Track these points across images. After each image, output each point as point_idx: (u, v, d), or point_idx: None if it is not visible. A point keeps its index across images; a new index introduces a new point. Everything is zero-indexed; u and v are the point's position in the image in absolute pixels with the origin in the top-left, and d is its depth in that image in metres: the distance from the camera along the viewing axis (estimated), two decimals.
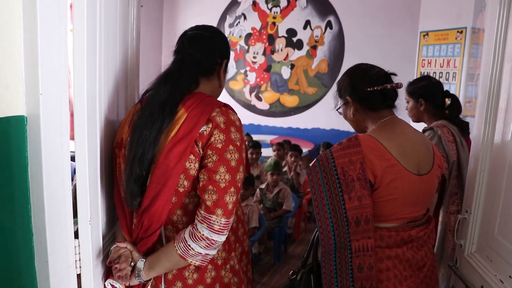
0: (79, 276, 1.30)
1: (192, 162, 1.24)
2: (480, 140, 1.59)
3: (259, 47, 8.41)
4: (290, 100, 8.23)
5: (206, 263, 1.28)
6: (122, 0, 1.53)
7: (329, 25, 7.76)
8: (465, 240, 1.66)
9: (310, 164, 1.48)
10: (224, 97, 8.68)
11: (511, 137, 1.42)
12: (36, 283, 1.18)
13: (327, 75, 7.86)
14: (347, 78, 1.61)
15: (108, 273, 1.42)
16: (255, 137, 6.50)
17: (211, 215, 1.21)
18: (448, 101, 2.35)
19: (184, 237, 1.24)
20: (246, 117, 8.69)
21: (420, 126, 2.04)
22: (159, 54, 8.98)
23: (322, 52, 7.88)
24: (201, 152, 1.24)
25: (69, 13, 1.16)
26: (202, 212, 1.22)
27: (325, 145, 5.32)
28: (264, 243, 4.08)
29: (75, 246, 1.28)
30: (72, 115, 1.22)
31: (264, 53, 8.37)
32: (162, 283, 1.32)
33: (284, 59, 8.22)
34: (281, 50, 8.23)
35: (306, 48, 8.00)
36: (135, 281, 1.31)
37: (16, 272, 1.13)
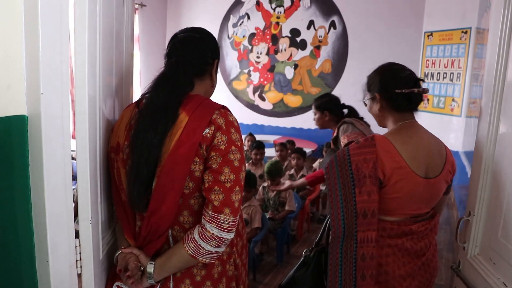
0: (79, 275, 1.31)
1: (197, 164, 1.25)
2: (484, 141, 1.58)
3: (262, 47, 8.40)
4: (294, 100, 8.22)
5: (215, 260, 1.32)
6: (117, 1, 1.53)
7: (333, 25, 7.75)
8: (468, 242, 1.65)
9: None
10: (227, 97, 8.70)
11: None
12: (37, 282, 1.18)
13: (331, 75, 7.85)
14: (378, 75, 1.70)
15: (114, 275, 1.42)
16: (258, 137, 6.49)
17: (220, 215, 1.23)
18: (346, 111, 2.87)
19: (194, 238, 1.26)
20: (249, 117, 8.70)
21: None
22: (162, 53, 8.97)
23: (325, 52, 7.87)
24: (205, 154, 1.25)
25: (70, 12, 1.16)
26: (209, 212, 1.24)
27: (328, 145, 5.31)
28: (266, 243, 4.07)
29: (76, 246, 1.27)
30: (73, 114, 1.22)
31: (267, 53, 8.37)
32: (171, 281, 1.34)
33: (288, 59, 8.22)
34: (285, 50, 8.23)
35: (309, 48, 8.00)
36: (146, 284, 1.32)
37: (16, 272, 1.12)
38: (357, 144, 1.55)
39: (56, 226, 1.16)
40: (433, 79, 6.62)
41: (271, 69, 8.39)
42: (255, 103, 8.64)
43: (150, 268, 1.30)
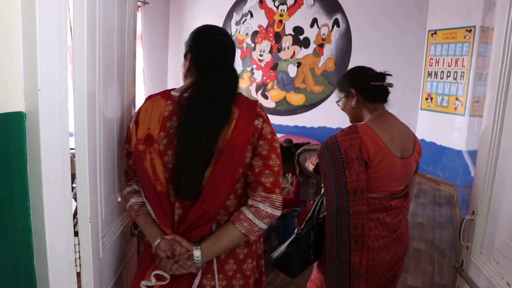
0: (79, 274, 1.30)
1: (248, 151, 1.38)
2: (488, 140, 1.56)
3: (265, 45, 8.38)
4: (297, 99, 8.20)
5: (257, 236, 1.45)
6: None
7: (336, 23, 7.72)
8: (472, 242, 1.63)
9: (319, 147, 1.81)
10: None
11: None
12: (35, 281, 1.17)
13: (334, 73, 7.83)
14: (350, 74, 1.96)
15: (146, 266, 1.43)
16: None
17: (272, 195, 1.36)
18: None
19: (248, 217, 1.36)
20: None
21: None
22: (165, 51, 8.99)
23: (329, 50, 7.84)
24: (255, 142, 1.39)
25: (68, 8, 1.15)
26: (261, 193, 1.36)
27: None
28: (269, 242, 4.06)
29: (75, 244, 1.26)
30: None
31: (270, 51, 8.35)
32: (214, 264, 1.43)
33: (291, 57, 8.20)
34: (288, 48, 8.20)
35: (313, 46, 7.97)
36: (193, 268, 1.36)
37: (14, 271, 1.12)
38: (342, 132, 1.76)
39: (55, 224, 1.16)
40: (436, 78, 6.59)
41: (274, 67, 8.37)
42: (258, 101, 8.62)
43: (197, 252, 1.35)
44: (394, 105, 1.98)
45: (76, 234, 1.27)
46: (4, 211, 1.06)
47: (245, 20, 8.48)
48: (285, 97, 8.33)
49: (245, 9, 8.44)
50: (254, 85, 8.59)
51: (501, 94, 1.50)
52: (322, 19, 7.82)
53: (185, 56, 1.53)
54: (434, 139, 6.67)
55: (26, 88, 1.06)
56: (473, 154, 4.70)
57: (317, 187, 2.90)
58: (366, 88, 1.87)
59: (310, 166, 2.54)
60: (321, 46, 7.90)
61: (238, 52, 8.69)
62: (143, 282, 1.39)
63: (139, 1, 7.84)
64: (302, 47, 8.08)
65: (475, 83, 5.74)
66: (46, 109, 1.08)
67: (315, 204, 1.98)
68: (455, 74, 6.25)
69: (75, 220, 1.27)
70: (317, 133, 7.92)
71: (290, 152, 2.92)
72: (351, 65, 7.60)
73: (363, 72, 1.92)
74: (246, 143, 1.36)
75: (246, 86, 8.66)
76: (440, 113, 6.54)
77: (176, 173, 1.34)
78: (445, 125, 6.48)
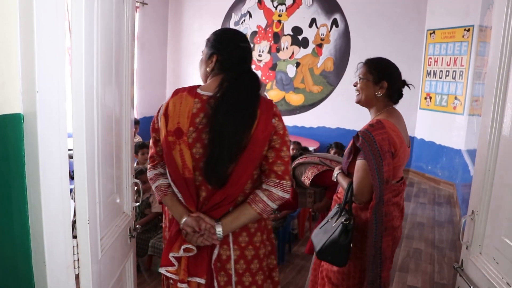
0: (77, 276, 1.29)
1: (266, 146, 1.62)
2: (487, 140, 1.56)
3: (264, 45, 8.38)
4: (296, 99, 8.20)
5: (269, 215, 1.72)
6: None
7: (335, 23, 7.72)
8: (471, 241, 1.63)
9: (358, 143, 1.92)
10: None
11: None
12: (34, 283, 1.17)
13: (333, 73, 7.83)
14: (389, 68, 2.09)
15: (172, 241, 1.64)
16: None
17: (283, 181, 1.62)
18: None
19: (263, 199, 1.62)
20: None
21: None
22: (164, 51, 8.98)
23: (327, 50, 7.84)
24: (271, 137, 1.63)
25: (66, 9, 1.14)
26: (274, 179, 1.62)
27: (338, 146, 5.26)
28: None
29: (73, 246, 1.26)
30: None
31: (269, 51, 8.35)
32: (230, 237, 1.67)
33: (290, 57, 8.20)
34: (287, 48, 8.20)
35: (311, 46, 7.97)
36: (216, 241, 1.61)
37: (13, 272, 1.11)
38: (372, 127, 1.90)
39: (53, 226, 1.15)
40: (435, 77, 6.59)
41: (273, 67, 8.37)
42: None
43: (219, 227, 1.60)
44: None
45: (74, 236, 1.26)
46: (2, 213, 1.06)
47: (244, 20, 8.48)
48: (284, 97, 8.33)
49: (244, 9, 8.44)
50: None
51: (499, 93, 1.50)
52: (321, 19, 7.82)
53: (210, 56, 1.69)
54: (433, 139, 6.67)
55: (24, 89, 1.06)
56: (472, 153, 4.70)
57: (315, 196, 2.92)
58: (395, 89, 2.07)
59: (306, 181, 2.72)
60: (320, 46, 7.90)
61: None
62: (171, 254, 1.61)
63: (137, 2, 7.84)
64: (301, 47, 8.08)
65: (474, 82, 5.74)
66: (44, 110, 1.08)
67: (345, 192, 2.06)
68: (454, 73, 6.25)
69: (74, 221, 1.27)
70: (316, 133, 7.91)
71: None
72: (350, 65, 7.60)
73: (399, 75, 2.10)
74: (266, 139, 1.60)
75: None
76: (439, 112, 6.54)
77: (209, 163, 1.56)
78: (444, 124, 6.48)
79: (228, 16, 8.61)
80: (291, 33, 8.12)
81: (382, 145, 1.87)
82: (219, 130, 1.55)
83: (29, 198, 1.11)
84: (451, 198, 6.01)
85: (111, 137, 1.53)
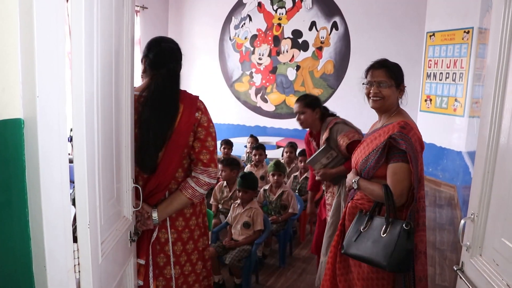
0: (78, 281, 1.29)
1: (190, 136, 1.87)
2: (486, 142, 1.56)
3: (264, 48, 8.40)
4: None
5: (200, 200, 1.96)
6: (116, 2, 1.52)
7: (334, 26, 7.73)
8: (471, 243, 1.63)
9: (403, 146, 1.96)
10: (229, 99, 8.69)
11: None
12: None
13: (333, 76, 7.83)
14: (400, 70, 2.15)
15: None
16: (261, 139, 6.44)
17: (208, 168, 1.88)
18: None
19: (191, 185, 1.86)
20: (251, 119, 8.68)
21: None
22: None
23: (327, 53, 7.86)
24: (195, 129, 1.88)
25: (67, 14, 1.15)
26: (201, 167, 1.88)
27: (293, 146, 5.27)
28: (269, 245, 4.05)
29: (74, 250, 1.26)
30: None
31: (269, 55, 8.36)
32: (167, 221, 1.92)
33: (290, 61, 8.21)
34: (287, 51, 8.22)
35: (311, 49, 7.98)
36: (151, 225, 1.85)
37: (13, 277, 1.11)
38: (405, 129, 1.99)
39: (53, 231, 1.15)
40: (435, 79, 6.59)
41: (273, 70, 8.38)
42: (257, 104, 8.62)
43: (155, 213, 1.84)
44: None
45: (75, 240, 1.26)
46: (3, 217, 1.06)
47: (244, 24, 8.49)
48: (284, 100, 8.34)
49: (244, 13, 8.46)
50: (254, 88, 8.59)
51: (498, 95, 1.50)
52: (321, 22, 7.84)
53: (141, 60, 1.94)
54: (434, 141, 6.67)
55: (24, 94, 1.06)
56: (473, 155, 4.69)
57: (332, 161, 2.86)
58: (404, 90, 2.16)
59: (344, 138, 2.75)
60: (320, 49, 7.91)
61: (237, 56, 8.70)
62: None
63: (137, 6, 7.86)
64: (301, 50, 8.09)
65: (474, 84, 5.74)
66: (44, 115, 1.08)
67: (385, 196, 1.97)
68: (454, 75, 6.26)
69: (74, 226, 1.27)
70: None
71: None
72: (350, 68, 7.62)
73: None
74: (188, 131, 1.85)
75: (246, 89, 8.67)
76: (440, 114, 6.54)
77: (140, 153, 1.78)
78: (444, 126, 6.48)
79: (228, 19, 8.63)
80: (291, 36, 8.13)
81: (416, 146, 1.98)
82: (146, 124, 1.78)
83: (29, 203, 1.11)
84: (452, 200, 6.00)
85: (111, 142, 1.54)
